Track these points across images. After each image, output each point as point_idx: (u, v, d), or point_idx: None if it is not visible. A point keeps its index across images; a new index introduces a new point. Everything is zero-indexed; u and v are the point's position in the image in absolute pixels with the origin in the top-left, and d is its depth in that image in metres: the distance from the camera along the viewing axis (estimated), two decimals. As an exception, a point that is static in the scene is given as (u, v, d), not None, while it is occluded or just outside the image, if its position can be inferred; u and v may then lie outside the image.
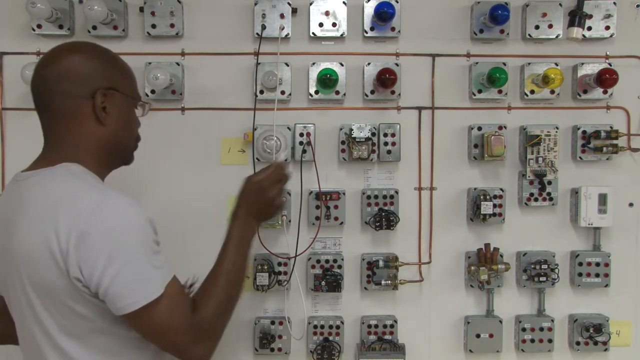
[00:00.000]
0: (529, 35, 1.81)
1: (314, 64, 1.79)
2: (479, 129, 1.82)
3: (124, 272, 1.03)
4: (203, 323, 1.13)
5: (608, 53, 1.85)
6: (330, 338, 1.81)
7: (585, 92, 1.83)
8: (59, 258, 1.02)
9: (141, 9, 1.77)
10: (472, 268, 1.80)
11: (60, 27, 1.76)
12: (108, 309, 1.07)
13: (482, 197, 1.78)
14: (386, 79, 1.73)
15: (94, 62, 1.18)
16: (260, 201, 1.30)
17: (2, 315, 1.25)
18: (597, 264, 1.83)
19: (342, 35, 1.80)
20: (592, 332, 1.81)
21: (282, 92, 1.79)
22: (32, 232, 1.05)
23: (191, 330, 1.10)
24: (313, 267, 1.81)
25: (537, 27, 1.81)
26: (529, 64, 1.82)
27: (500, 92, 1.81)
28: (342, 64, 1.80)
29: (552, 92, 1.82)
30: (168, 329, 1.08)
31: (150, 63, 1.76)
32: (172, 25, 1.77)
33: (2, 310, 1.24)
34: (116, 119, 1.19)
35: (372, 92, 1.81)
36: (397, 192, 1.81)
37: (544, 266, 1.80)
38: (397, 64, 1.80)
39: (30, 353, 1.16)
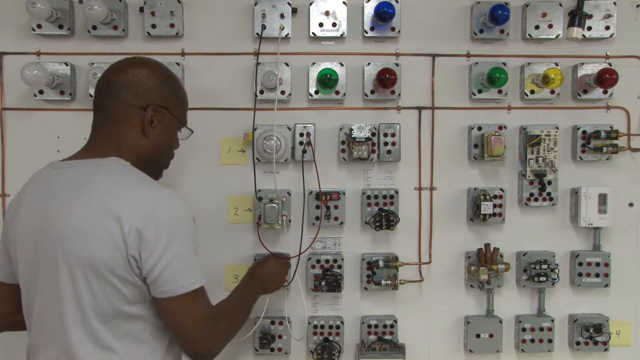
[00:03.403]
0: (529, 35, 1.81)
1: (314, 64, 1.79)
2: (479, 129, 1.82)
3: (178, 258, 1.17)
4: (220, 324, 1.30)
5: (608, 53, 1.85)
6: (330, 338, 1.81)
7: (585, 92, 1.83)
8: (119, 240, 1.13)
9: (141, 9, 1.77)
10: (472, 268, 1.80)
11: (60, 27, 1.76)
12: (144, 293, 1.19)
13: (482, 197, 1.78)
14: (386, 79, 1.73)
15: (157, 80, 1.31)
16: (268, 285, 1.65)
17: (13, 301, 1.31)
18: (597, 264, 1.83)
19: (342, 35, 1.80)
20: (592, 332, 1.81)
21: (282, 92, 1.79)
22: (90, 215, 1.15)
23: (211, 324, 1.25)
24: (313, 267, 1.81)
25: (537, 27, 1.81)
26: (529, 64, 1.82)
27: (500, 92, 1.81)
28: (342, 64, 1.80)
29: (552, 92, 1.82)
30: (197, 317, 1.22)
31: (150, 63, 1.76)
32: (172, 25, 1.77)
33: (12, 296, 1.30)
34: (159, 135, 1.32)
35: (372, 92, 1.81)
36: (397, 192, 1.81)
37: (544, 266, 1.80)
38: (397, 64, 1.80)
39: (48, 337, 1.21)
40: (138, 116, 1.28)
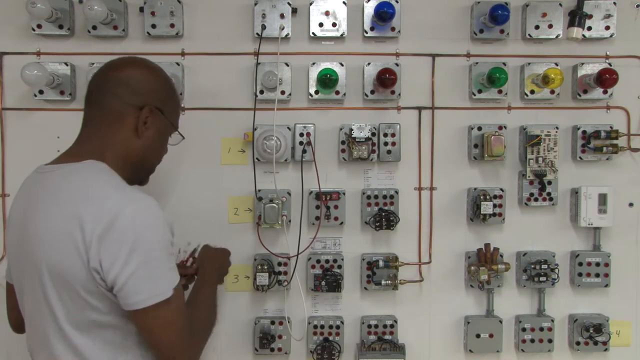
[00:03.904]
0: (529, 35, 1.81)
1: (314, 64, 1.79)
2: (479, 129, 1.82)
3: (142, 268, 1.09)
4: (194, 332, 1.21)
5: (608, 53, 1.85)
6: (330, 338, 1.81)
7: (585, 92, 1.83)
8: (81, 248, 1.07)
9: (141, 9, 1.77)
10: (472, 268, 1.80)
11: (60, 27, 1.76)
12: (118, 305, 1.12)
13: (482, 197, 1.78)
14: (386, 79, 1.73)
15: (155, 82, 1.29)
16: (222, 275, 1.58)
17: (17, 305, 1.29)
18: (597, 264, 1.83)
19: (342, 35, 1.80)
20: (592, 332, 1.81)
21: (282, 92, 1.79)
22: (57, 221, 1.10)
23: (188, 332, 1.17)
24: (313, 267, 1.81)
25: (537, 27, 1.81)
26: (529, 64, 1.82)
27: (500, 92, 1.81)
28: (342, 64, 1.80)
29: (552, 92, 1.82)
30: (172, 328, 1.13)
31: (150, 63, 1.76)
32: (172, 25, 1.77)
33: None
34: (151, 137, 1.28)
35: (372, 92, 1.81)
36: (397, 192, 1.81)
37: (544, 266, 1.80)
38: (397, 64, 1.80)
39: (37, 342, 1.19)
40: (133, 115, 1.24)
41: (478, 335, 1.83)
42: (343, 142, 1.80)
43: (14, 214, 1.24)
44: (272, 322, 1.80)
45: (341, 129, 1.80)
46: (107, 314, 1.13)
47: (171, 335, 1.14)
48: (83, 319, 1.12)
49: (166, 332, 1.13)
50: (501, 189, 1.82)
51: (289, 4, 1.78)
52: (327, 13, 1.80)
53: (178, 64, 1.78)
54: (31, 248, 1.14)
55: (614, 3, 1.81)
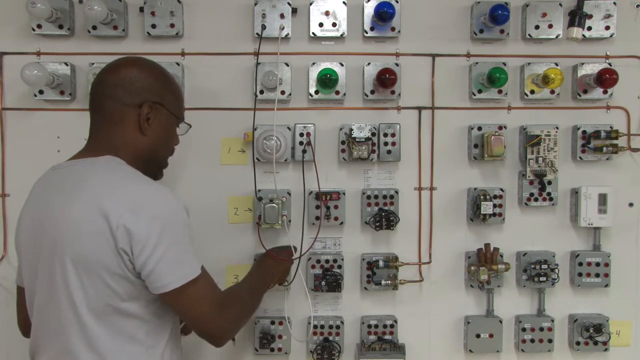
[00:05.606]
0: (529, 35, 1.81)
1: (314, 64, 1.79)
2: (479, 129, 1.82)
3: (170, 251, 1.17)
4: (228, 305, 1.30)
5: (608, 53, 1.85)
6: (330, 338, 1.81)
7: (585, 92, 1.83)
8: (108, 235, 1.13)
9: (141, 9, 1.77)
10: (472, 268, 1.80)
11: (60, 27, 1.76)
12: (138, 290, 1.18)
13: (482, 197, 1.78)
14: (386, 79, 1.73)
15: (149, 77, 1.32)
16: (276, 277, 1.66)
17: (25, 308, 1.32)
18: (597, 264, 1.83)
19: (342, 35, 1.80)
20: (592, 332, 1.81)
21: (282, 92, 1.79)
22: (80, 210, 1.15)
23: (219, 306, 1.26)
24: (313, 267, 1.81)
25: (537, 27, 1.81)
26: (529, 64, 1.82)
27: (500, 92, 1.81)
28: (342, 64, 1.80)
29: (552, 92, 1.82)
30: (202, 303, 1.23)
31: (150, 63, 1.76)
32: (172, 25, 1.77)
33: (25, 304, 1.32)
34: (156, 132, 1.32)
35: (372, 92, 1.81)
36: (397, 192, 1.81)
37: (544, 266, 1.80)
38: (397, 64, 1.80)
39: (47, 337, 1.22)
40: (134, 114, 1.28)
41: (478, 335, 1.83)
42: (343, 142, 1.80)
43: (29, 211, 1.27)
44: (272, 322, 1.80)
45: (341, 129, 1.80)
46: (125, 301, 1.18)
47: (202, 309, 1.22)
48: (101, 304, 1.16)
49: (197, 307, 1.22)
50: (501, 189, 1.82)
51: (289, 4, 1.78)
52: (327, 13, 1.80)
53: (178, 64, 1.78)
54: (52, 239, 1.17)
55: (614, 3, 1.81)
